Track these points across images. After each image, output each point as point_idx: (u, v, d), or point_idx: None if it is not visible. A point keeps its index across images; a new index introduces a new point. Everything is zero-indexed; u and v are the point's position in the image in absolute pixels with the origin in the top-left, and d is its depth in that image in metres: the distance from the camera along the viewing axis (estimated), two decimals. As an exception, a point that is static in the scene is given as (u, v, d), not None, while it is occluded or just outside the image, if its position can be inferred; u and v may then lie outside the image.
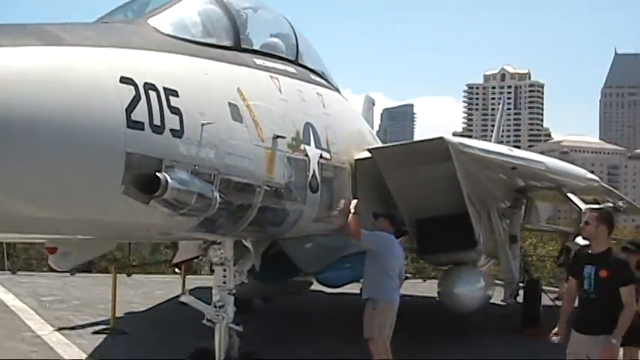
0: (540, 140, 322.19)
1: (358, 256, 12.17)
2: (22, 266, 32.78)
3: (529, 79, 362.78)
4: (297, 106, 10.37)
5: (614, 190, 21.63)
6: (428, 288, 24.91)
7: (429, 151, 12.99)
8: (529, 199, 18.75)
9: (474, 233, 14.73)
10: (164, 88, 7.45)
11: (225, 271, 10.10)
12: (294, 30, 11.48)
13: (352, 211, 11.17)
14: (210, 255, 10.04)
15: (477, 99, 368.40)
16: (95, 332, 16.10)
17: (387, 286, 11.30)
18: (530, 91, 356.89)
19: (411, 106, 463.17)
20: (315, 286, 15.91)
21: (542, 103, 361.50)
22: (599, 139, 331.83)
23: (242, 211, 8.86)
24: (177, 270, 21.40)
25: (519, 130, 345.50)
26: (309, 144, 10.27)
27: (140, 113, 7.03)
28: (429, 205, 13.93)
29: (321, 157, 10.58)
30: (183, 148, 7.55)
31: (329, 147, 10.97)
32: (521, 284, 19.21)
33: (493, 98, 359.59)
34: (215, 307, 10.24)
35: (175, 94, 7.58)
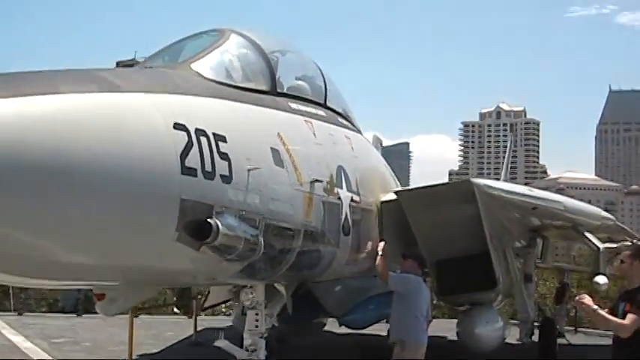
0: (537, 177, 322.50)
1: (381, 297, 12.17)
2: (21, 307, 32.66)
3: (525, 116, 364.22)
4: (330, 149, 10.45)
5: (626, 228, 21.64)
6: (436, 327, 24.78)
7: (454, 193, 13.06)
8: (545, 238, 18.73)
9: (495, 273, 14.72)
10: (213, 134, 7.50)
11: (257, 314, 10.05)
12: (321, 72, 11.57)
13: (380, 253, 11.20)
14: (242, 299, 10.00)
15: (472, 137, 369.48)
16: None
17: (415, 327, 11.28)
18: (526, 128, 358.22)
19: (407, 144, 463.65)
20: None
21: (538, 140, 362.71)
22: (595, 175, 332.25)
23: (282, 256, 8.89)
24: (176, 310, 21.34)
25: (515, 167, 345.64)
26: (341, 187, 10.33)
27: (193, 159, 7.07)
28: (449, 245, 13.95)
29: (352, 200, 10.64)
30: (231, 194, 7.58)
31: (358, 190, 11.03)
32: (535, 323, 19.18)
33: (489, 136, 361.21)
34: (247, 350, 10.17)
35: (224, 139, 7.63)
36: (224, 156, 7.56)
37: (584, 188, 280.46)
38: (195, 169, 7.10)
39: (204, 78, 8.67)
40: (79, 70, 7.32)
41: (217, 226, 7.10)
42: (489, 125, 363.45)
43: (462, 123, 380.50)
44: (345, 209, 10.34)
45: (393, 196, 12.89)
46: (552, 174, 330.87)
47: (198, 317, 26.32)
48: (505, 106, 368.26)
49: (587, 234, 16.84)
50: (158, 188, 6.69)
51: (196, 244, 7.13)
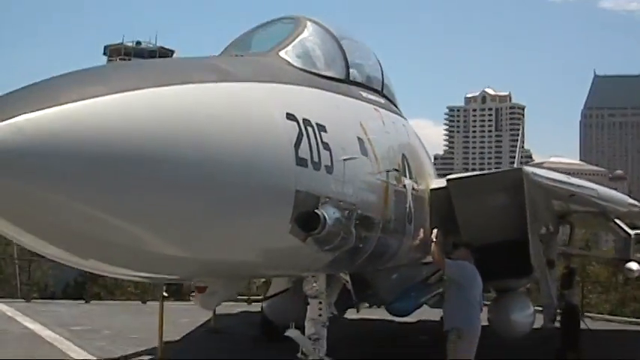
0: (522, 162, 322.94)
1: (419, 284, 12.15)
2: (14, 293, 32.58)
3: (510, 101, 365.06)
4: (395, 138, 10.42)
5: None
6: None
7: (503, 181, 13.06)
8: (571, 224, 18.73)
9: (531, 260, 14.73)
10: (317, 124, 7.43)
11: (320, 303, 9.97)
12: (378, 60, 11.49)
13: (434, 240, 11.14)
14: (306, 288, 9.92)
15: (457, 121, 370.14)
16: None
17: (471, 315, 11.24)
18: (511, 113, 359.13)
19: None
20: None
21: (523, 125, 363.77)
22: (580, 160, 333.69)
23: (365, 246, 8.84)
24: (165, 294, 21.26)
25: (500, 152, 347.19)
26: (405, 176, 10.28)
27: (304, 150, 7.01)
28: (489, 232, 13.92)
29: (413, 188, 10.60)
30: (333, 185, 7.53)
31: (416, 177, 10.98)
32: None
33: (474, 121, 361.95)
34: (310, 339, 10.09)
35: (324, 129, 7.57)
36: (326, 146, 7.51)
37: (569, 173, 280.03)
38: (306, 160, 7.05)
39: (294, 66, 8.61)
40: (195, 59, 7.23)
41: (325, 217, 7.05)
42: (474, 110, 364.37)
43: (448, 107, 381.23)
44: (409, 198, 10.31)
45: (440, 184, 12.87)
46: (537, 159, 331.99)
47: (184, 302, 26.48)
48: (490, 91, 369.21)
49: (617, 220, 16.86)
50: (276, 179, 6.62)
51: (303, 236, 7.07)
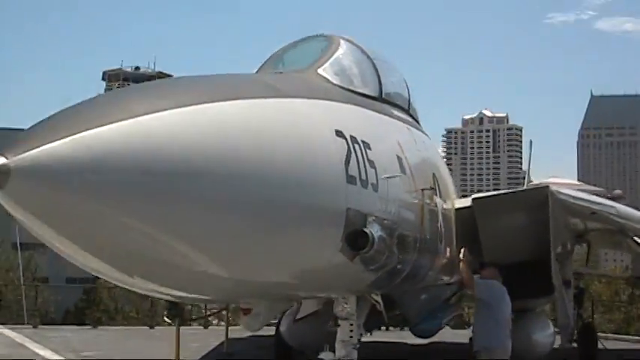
0: (520, 183, 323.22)
1: (444, 304, 12.01)
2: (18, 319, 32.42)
3: (507, 122, 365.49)
4: (426, 156, 10.38)
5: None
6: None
7: (528, 199, 12.97)
8: (588, 243, 18.60)
9: (552, 279, 14.60)
10: (362, 141, 7.32)
11: (351, 325, 9.78)
12: (404, 79, 11.43)
13: (462, 259, 11.03)
14: (336, 310, 9.76)
15: (455, 143, 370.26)
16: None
17: (501, 335, 11.14)
18: (508, 134, 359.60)
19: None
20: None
21: (521, 146, 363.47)
22: (578, 180, 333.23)
23: (403, 266, 8.70)
24: (167, 319, 21.00)
25: (498, 173, 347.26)
26: (437, 194, 10.17)
27: (353, 167, 6.91)
28: (511, 251, 13.81)
29: (443, 207, 10.49)
30: (378, 203, 7.42)
31: (444, 196, 10.89)
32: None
33: (472, 142, 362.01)
34: None
35: (369, 147, 7.49)
36: (372, 164, 7.42)
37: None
38: (355, 178, 6.95)
39: (332, 83, 8.52)
40: (242, 75, 7.12)
41: (373, 236, 6.91)
42: (472, 131, 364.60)
43: (446, 129, 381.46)
44: (440, 217, 10.19)
45: (464, 203, 12.77)
46: (535, 179, 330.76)
47: (189, 327, 26.29)
48: (488, 113, 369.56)
49: (636, 238, 16.74)
50: (329, 197, 6.50)
51: (352, 255, 6.94)
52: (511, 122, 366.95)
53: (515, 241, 13.70)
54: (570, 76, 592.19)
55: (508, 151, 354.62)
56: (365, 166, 7.22)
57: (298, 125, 6.43)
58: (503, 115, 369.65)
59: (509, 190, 14.42)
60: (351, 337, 9.84)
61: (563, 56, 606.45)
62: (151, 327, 30.58)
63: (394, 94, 10.61)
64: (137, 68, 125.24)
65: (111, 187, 5.04)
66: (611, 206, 16.05)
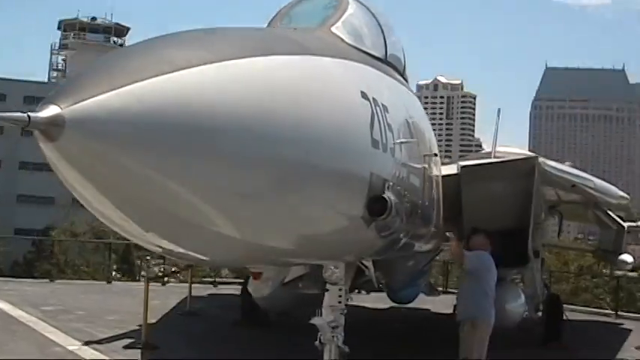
0: (471, 150, 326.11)
1: (421, 272, 11.91)
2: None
3: (462, 89, 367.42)
4: (425, 122, 10.16)
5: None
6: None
7: (515, 169, 12.85)
8: (560, 214, 18.64)
9: (528, 249, 14.59)
10: (382, 104, 7.07)
11: (340, 290, 9.57)
12: (400, 40, 11.16)
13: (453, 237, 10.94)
14: (325, 274, 9.55)
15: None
16: (126, 347, 15.52)
17: (487, 305, 11.07)
18: (462, 101, 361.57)
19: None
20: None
21: (474, 114, 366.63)
22: (529, 150, 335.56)
23: (405, 234, 8.51)
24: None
25: (451, 140, 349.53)
26: (435, 161, 10.01)
27: (376, 131, 6.68)
28: (491, 220, 13.72)
29: (436, 174, 10.33)
30: (395, 169, 7.19)
31: (437, 163, 10.72)
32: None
33: (426, 108, 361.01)
34: (329, 326, 9.72)
35: (387, 110, 7.23)
36: (390, 127, 7.18)
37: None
38: (378, 142, 6.73)
39: (347, 43, 8.22)
40: (266, 29, 6.82)
41: (391, 202, 6.69)
42: (426, 97, 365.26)
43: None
44: (435, 184, 10.03)
45: (449, 170, 12.59)
46: (487, 148, 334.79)
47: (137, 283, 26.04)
48: (442, 79, 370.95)
49: (609, 212, 16.81)
50: (356, 161, 6.27)
51: (369, 221, 6.72)
52: (465, 90, 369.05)
53: (496, 210, 13.63)
54: (526, 47, 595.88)
55: (462, 118, 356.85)
56: (385, 130, 6.99)
57: (330, 85, 6.18)
58: (458, 82, 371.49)
59: (498, 160, 14.26)
60: (340, 302, 9.62)
61: (520, 26, 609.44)
62: (108, 281, 30.37)
63: (395, 57, 10.33)
64: (94, 19, 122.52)
65: (162, 142, 4.81)
66: (590, 179, 16.07)
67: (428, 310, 22.55)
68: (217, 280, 31.43)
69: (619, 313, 26.82)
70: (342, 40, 8.21)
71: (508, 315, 14.93)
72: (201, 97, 4.89)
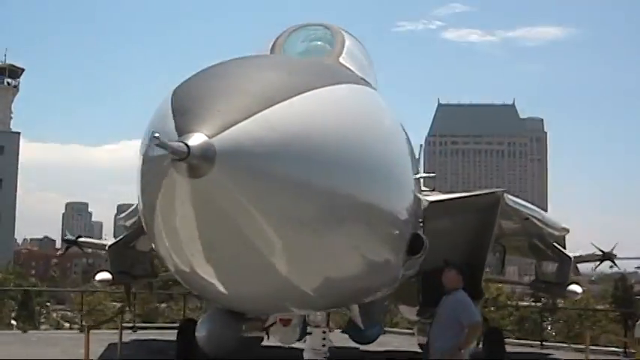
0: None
1: (385, 307, 11.54)
2: None
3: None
4: (408, 148, 9.80)
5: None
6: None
7: (479, 203, 12.64)
8: (503, 247, 18.48)
9: (480, 284, 14.31)
10: (405, 132, 6.71)
11: (324, 332, 9.10)
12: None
13: None
14: (310, 317, 9.03)
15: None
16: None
17: (457, 338, 10.59)
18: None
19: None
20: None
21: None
22: (424, 186, 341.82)
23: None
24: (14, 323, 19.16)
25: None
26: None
27: (414, 161, 6.26)
28: (449, 253, 13.43)
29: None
30: (419, 204, 6.79)
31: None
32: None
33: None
34: None
35: (408, 139, 6.85)
36: (412, 157, 6.82)
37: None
38: (413, 173, 6.31)
39: (354, 72, 7.89)
40: (315, 59, 6.48)
41: (426, 240, 6.32)
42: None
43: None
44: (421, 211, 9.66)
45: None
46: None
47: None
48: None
49: (555, 245, 16.77)
50: (408, 192, 5.81)
51: (406, 258, 6.27)
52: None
53: (455, 244, 13.32)
54: (418, 84, 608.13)
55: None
56: (413, 160, 6.67)
57: (382, 113, 5.85)
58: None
59: (463, 195, 14.00)
60: (324, 345, 9.17)
61: (413, 64, 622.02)
62: (24, 331, 29.26)
63: (375, 84, 10.16)
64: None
65: (291, 169, 4.61)
66: (539, 212, 16.01)
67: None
68: (136, 325, 30.42)
69: (544, 343, 27.31)
70: (350, 70, 7.97)
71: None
72: (319, 124, 4.74)
